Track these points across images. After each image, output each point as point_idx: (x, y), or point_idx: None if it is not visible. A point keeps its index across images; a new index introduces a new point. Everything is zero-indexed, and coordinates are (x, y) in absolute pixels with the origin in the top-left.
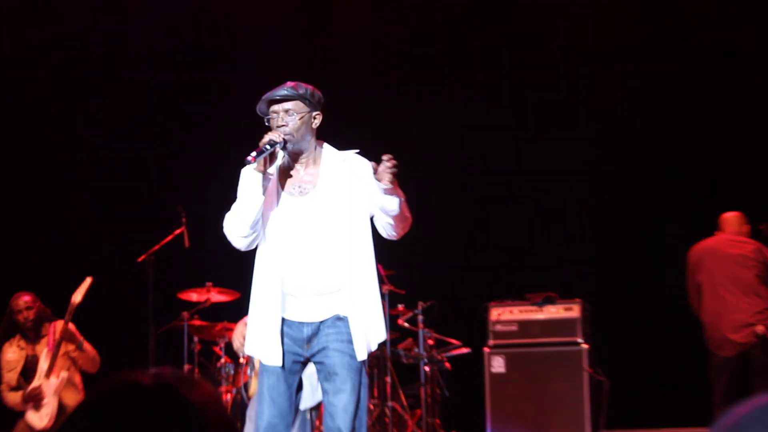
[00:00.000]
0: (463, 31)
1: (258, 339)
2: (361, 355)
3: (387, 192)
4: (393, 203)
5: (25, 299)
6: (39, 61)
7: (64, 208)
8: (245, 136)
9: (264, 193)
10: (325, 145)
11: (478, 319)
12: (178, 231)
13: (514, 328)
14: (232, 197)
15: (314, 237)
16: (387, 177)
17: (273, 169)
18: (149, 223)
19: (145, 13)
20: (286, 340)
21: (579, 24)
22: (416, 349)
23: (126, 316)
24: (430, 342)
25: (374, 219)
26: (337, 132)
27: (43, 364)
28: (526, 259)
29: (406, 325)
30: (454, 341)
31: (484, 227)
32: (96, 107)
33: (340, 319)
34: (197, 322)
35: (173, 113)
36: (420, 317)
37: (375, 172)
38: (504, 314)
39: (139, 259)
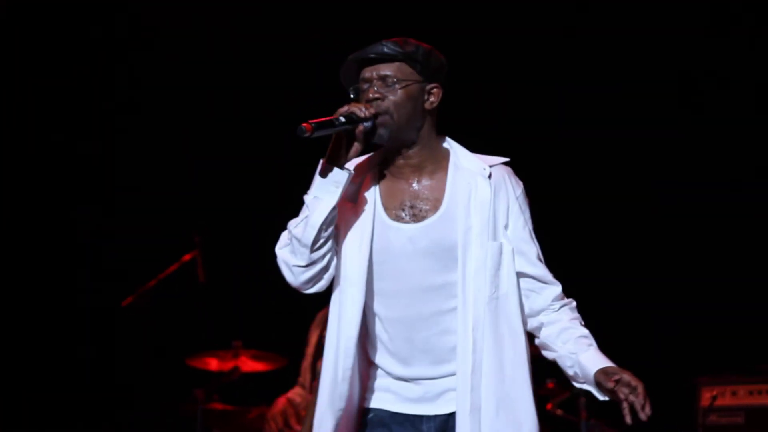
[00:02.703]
0: None
1: None
2: None
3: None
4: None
5: None
6: None
7: None
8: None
9: (339, 202)
10: (449, 140)
11: (678, 403)
12: (187, 257)
13: (738, 420)
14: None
15: (436, 288)
16: (627, 415)
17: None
18: (142, 245)
19: None
20: None
21: None
22: None
23: (104, 394)
24: None
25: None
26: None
27: None
28: (754, 304)
29: (560, 412)
30: None
31: (675, 246)
32: None
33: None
34: (218, 406)
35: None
36: (582, 400)
37: (606, 383)
38: (723, 397)
39: (124, 303)
